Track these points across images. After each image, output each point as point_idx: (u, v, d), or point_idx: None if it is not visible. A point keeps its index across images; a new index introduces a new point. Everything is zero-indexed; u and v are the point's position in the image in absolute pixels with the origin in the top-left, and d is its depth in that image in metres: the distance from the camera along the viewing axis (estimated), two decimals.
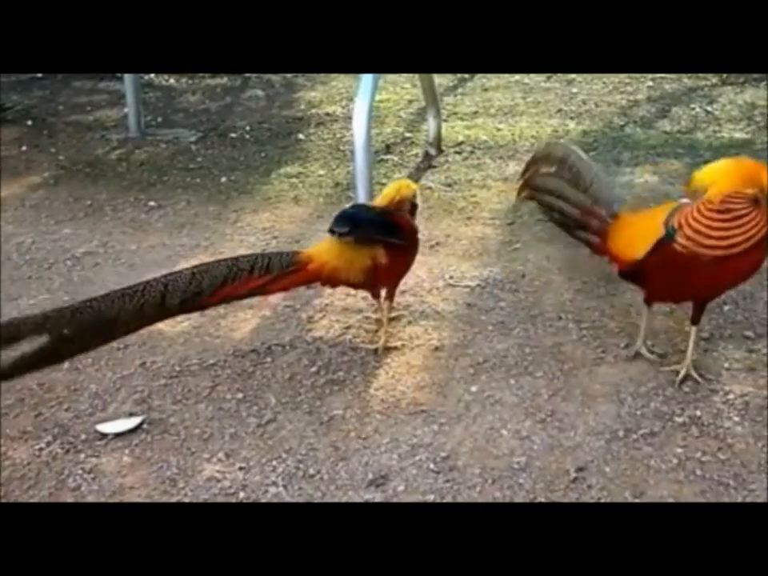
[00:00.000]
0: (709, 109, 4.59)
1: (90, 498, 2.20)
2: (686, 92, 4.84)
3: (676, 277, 2.39)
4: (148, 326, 2.54)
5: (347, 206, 3.14)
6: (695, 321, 2.54)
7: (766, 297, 2.94)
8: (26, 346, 2.29)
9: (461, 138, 4.43)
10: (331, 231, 2.59)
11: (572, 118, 4.62)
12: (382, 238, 2.61)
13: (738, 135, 4.25)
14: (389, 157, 4.27)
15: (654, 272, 2.44)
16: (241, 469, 2.30)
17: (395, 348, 2.76)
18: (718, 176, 2.32)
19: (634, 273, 2.52)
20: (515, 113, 4.75)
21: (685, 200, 2.50)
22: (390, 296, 2.76)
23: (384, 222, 2.65)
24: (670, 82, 5.04)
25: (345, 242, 2.59)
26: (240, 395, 2.58)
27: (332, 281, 2.67)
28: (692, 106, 4.65)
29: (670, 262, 2.35)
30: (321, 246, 2.66)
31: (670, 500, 2.15)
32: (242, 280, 2.50)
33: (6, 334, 2.26)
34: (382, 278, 2.70)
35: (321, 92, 5.27)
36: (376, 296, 2.79)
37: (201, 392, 2.59)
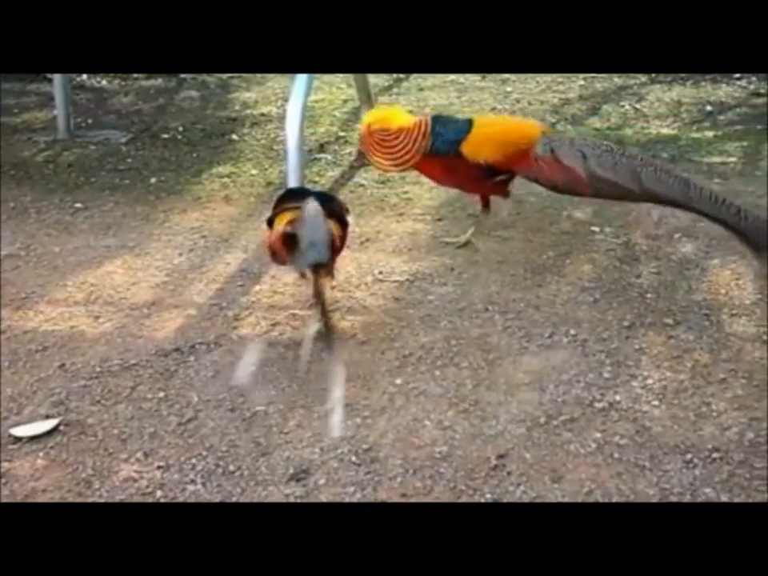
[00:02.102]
0: (637, 106, 4.65)
1: None
2: (616, 90, 4.89)
3: None
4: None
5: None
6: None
7: (686, 286, 2.98)
8: None
9: None
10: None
11: None
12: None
13: (664, 131, 4.30)
14: (322, 156, 4.25)
15: None
16: (159, 468, 2.27)
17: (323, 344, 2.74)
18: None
19: None
20: (450, 111, 4.74)
21: None
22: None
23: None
24: (601, 81, 5.08)
25: None
26: (161, 394, 2.54)
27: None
28: (621, 103, 4.70)
29: None
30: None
31: (588, 483, 2.16)
32: None
33: None
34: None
35: (256, 92, 5.24)
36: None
37: (121, 392, 2.55)
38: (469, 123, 3.12)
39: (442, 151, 3.06)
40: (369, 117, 3.21)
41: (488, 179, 3.07)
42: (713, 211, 2.72)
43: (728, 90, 4.78)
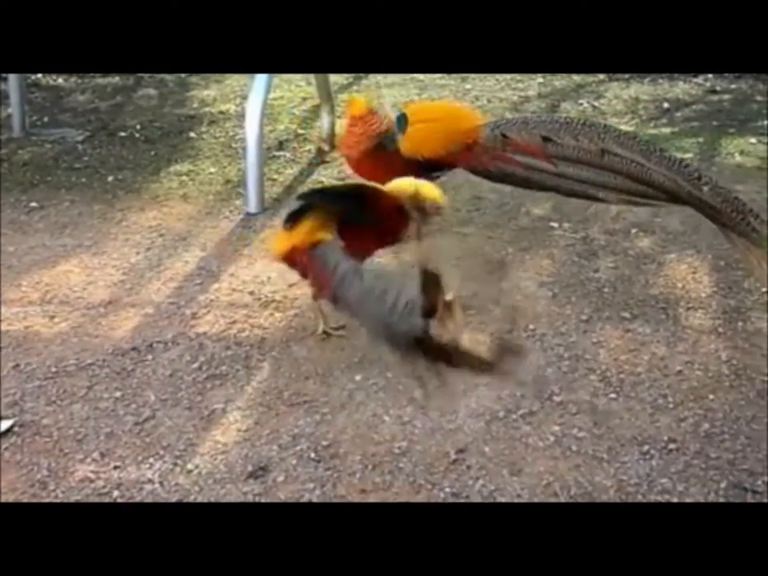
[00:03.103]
0: (596, 104, 4.68)
1: None
2: (575, 88, 4.92)
3: None
4: None
5: None
6: None
7: (643, 280, 3.00)
8: None
9: None
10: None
11: None
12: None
13: (622, 128, 4.30)
14: (281, 153, 4.23)
15: None
16: (116, 468, 2.25)
17: (281, 342, 2.73)
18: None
19: None
20: None
21: None
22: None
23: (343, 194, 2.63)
24: (560, 79, 5.11)
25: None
26: (118, 394, 2.52)
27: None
28: (580, 101, 4.73)
29: None
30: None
31: (547, 476, 2.17)
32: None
33: None
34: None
35: (215, 90, 5.20)
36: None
37: (77, 392, 2.52)
38: (403, 117, 3.08)
39: (387, 147, 3.05)
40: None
41: (425, 174, 2.91)
42: (671, 174, 2.63)
43: (685, 87, 4.83)
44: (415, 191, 2.59)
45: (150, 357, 2.68)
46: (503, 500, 2.12)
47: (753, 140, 4.12)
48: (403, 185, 2.62)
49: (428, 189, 2.64)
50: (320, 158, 4.16)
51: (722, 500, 2.12)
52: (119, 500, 2.14)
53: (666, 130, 4.31)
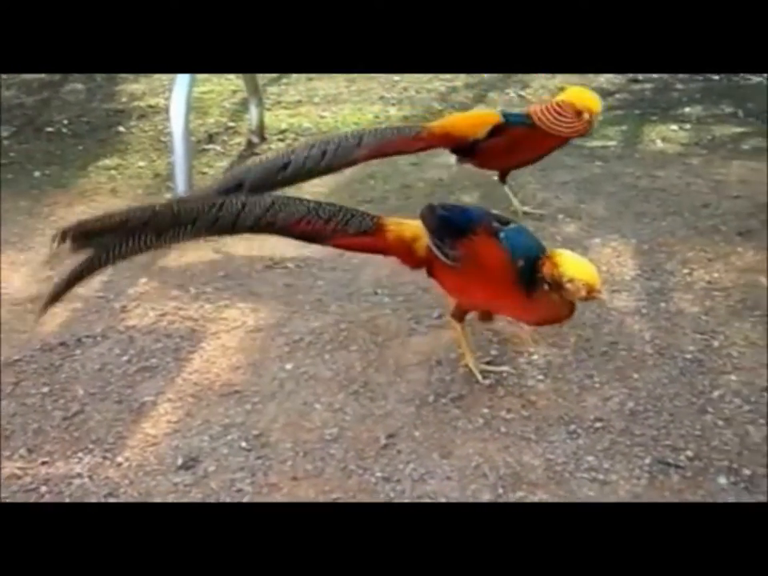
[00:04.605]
0: (522, 93, 4.74)
1: None
2: (502, 78, 4.96)
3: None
4: (215, 237, 2.65)
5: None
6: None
7: None
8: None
9: (284, 126, 4.41)
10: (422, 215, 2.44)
11: (393, 105, 4.67)
12: (435, 244, 2.37)
13: None
14: (211, 146, 4.21)
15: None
16: (44, 463, 2.23)
17: (212, 333, 2.73)
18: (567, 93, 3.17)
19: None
20: (339, 101, 4.77)
21: None
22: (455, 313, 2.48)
23: (450, 229, 2.36)
24: None
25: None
26: (46, 389, 2.49)
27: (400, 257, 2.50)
28: (507, 90, 4.78)
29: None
30: (408, 223, 2.46)
31: (476, 458, 2.21)
32: (314, 224, 2.40)
33: (88, 228, 2.31)
34: (441, 284, 2.48)
35: (143, 84, 5.14)
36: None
37: (3, 389, 2.49)
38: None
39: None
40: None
41: None
42: None
43: (608, 76, 4.90)
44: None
45: (78, 351, 2.65)
46: (433, 483, 2.15)
47: (674, 127, 4.22)
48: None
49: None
50: (250, 151, 4.15)
51: (646, 476, 2.17)
52: (47, 495, 2.12)
53: None
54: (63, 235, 2.28)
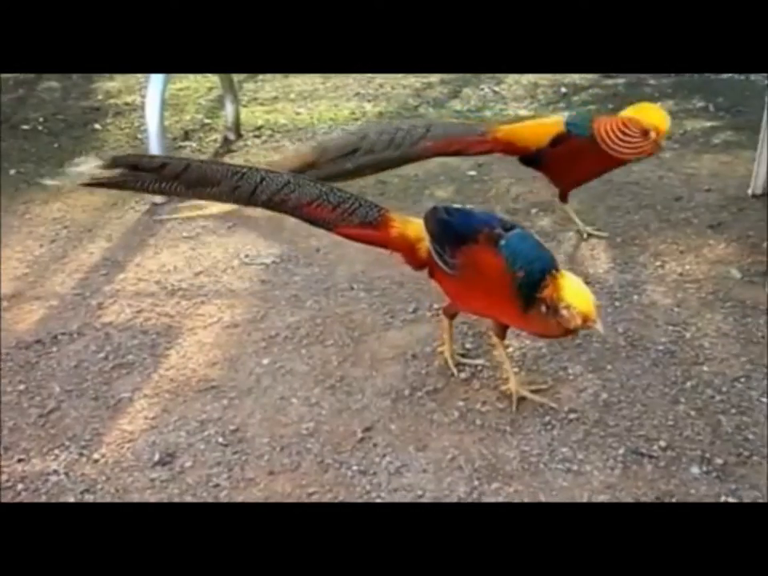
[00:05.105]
0: (496, 89, 4.76)
1: None
2: (476, 74, 4.99)
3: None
4: (234, 205, 2.69)
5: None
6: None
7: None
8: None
9: (260, 123, 4.41)
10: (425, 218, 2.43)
11: (369, 101, 4.67)
12: (435, 251, 2.36)
13: (522, 112, 4.43)
14: (187, 143, 4.21)
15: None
16: (20, 461, 2.23)
17: (188, 329, 2.73)
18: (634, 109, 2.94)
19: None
20: (315, 97, 4.77)
21: None
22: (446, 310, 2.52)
23: (450, 236, 2.34)
24: None
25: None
26: (22, 387, 2.49)
27: (403, 255, 2.50)
28: (481, 86, 4.80)
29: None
30: (414, 222, 2.46)
31: (452, 450, 2.23)
32: (323, 209, 2.41)
33: (132, 161, 2.49)
34: (442, 288, 2.48)
35: (119, 82, 5.12)
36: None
37: None
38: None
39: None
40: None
41: None
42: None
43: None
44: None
45: (54, 349, 2.65)
46: (409, 476, 2.17)
47: None
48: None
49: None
50: (226, 147, 4.15)
51: (620, 466, 2.20)
52: (23, 493, 2.13)
53: (564, 114, 4.41)
54: (113, 160, 2.47)
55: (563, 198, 3.18)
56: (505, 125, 3.17)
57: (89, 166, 2.51)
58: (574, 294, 2.12)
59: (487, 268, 2.23)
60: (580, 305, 2.10)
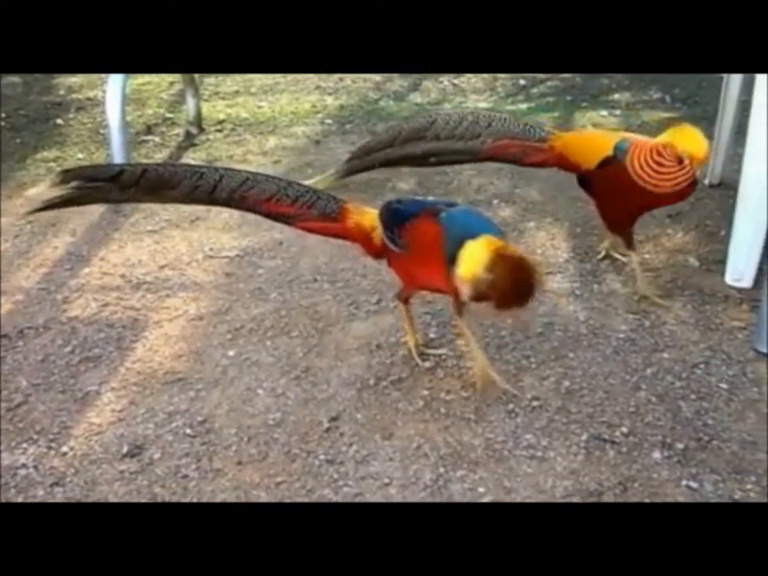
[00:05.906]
0: (456, 82, 4.81)
1: None
2: None
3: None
4: (195, 205, 2.79)
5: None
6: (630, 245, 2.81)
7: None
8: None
9: (222, 117, 4.42)
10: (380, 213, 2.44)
11: (330, 94, 4.70)
12: (387, 236, 2.38)
13: (482, 104, 4.48)
14: (150, 138, 4.20)
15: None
16: None
17: (154, 322, 2.75)
18: (670, 133, 2.58)
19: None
20: (276, 91, 4.79)
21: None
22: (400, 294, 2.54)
23: (397, 217, 2.37)
24: None
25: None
26: None
27: (360, 245, 2.52)
28: (441, 79, 4.84)
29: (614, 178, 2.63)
30: (369, 211, 2.48)
31: (417, 438, 2.26)
32: (282, 204, 2.44)
33: (86, 174, 2.53)
34: (396, 273, 2.51)
35: (81, 77, 5.09)
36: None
37: None
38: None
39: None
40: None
41: None
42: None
43: None
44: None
45: (21, 343, 2.66)
46: (376, 464, 2.20)
47: (604, 113, 4.32)
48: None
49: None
50: (189, 141, 4.16)
51: (583, 452, 2.24)
52: None
53: (523, 106, 4.49)
54: (64, 174, 2.47)
55: (611, 229, 2.87)
56: (565, 133, 2.92)
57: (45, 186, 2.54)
58: (468, 260, 2.09)
59: (426, 236, 2.27)
60: (466, 274, 2.09)
